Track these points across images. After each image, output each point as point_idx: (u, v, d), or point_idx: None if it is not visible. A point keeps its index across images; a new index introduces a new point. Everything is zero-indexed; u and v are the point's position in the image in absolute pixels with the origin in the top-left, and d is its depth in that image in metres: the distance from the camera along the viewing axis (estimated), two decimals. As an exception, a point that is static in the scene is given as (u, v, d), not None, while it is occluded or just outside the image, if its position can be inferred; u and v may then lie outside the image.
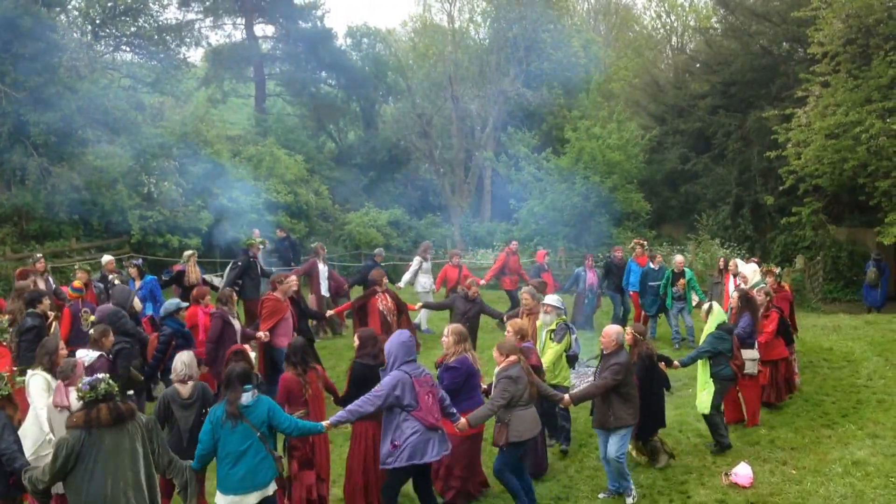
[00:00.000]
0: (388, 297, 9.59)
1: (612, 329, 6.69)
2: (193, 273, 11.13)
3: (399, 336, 5.81)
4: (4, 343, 6.58)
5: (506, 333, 6.90)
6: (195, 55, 52.64)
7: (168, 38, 23.26)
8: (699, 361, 7.74)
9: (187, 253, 11.59)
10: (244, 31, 27.75)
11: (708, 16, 27.67)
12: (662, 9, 32.65)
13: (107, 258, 11.43)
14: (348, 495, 6.30)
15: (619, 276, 12.82)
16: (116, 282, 10.11)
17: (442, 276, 12.94)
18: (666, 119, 25.19)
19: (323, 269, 12.39)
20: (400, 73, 29.10)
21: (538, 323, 7.93)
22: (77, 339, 8.17)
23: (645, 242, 13.40)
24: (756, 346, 8.41)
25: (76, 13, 21.32)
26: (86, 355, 6.32)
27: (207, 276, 12.52)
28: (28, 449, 5.51)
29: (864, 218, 19.08)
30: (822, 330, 13.07)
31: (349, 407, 5.59)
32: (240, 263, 11.70)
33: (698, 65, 26.02)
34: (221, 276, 13.53)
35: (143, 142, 18.18)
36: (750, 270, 11.37)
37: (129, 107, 19.04)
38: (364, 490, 6.23)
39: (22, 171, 16.25)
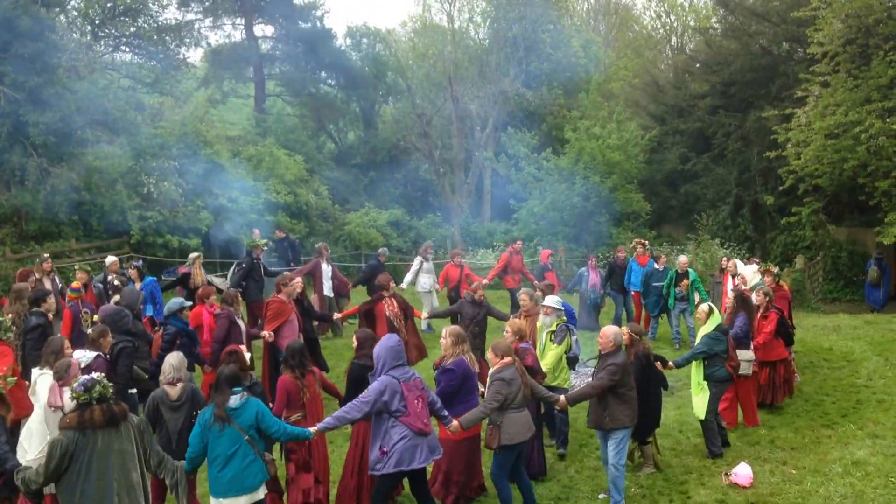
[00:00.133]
0: (394, 302, 9.41)
1: (610, 330, 6.68)
2: (199, 275, 11.06)
3: (387, 340, 5.72)
4: (6, 341, 6.56)
5: (504, 334, 6.89)
6: (195, 55, 52.86)
7: (167, 38, 23.30)
8: (693, 363, 7.74)
9: (193, 255, 11.51)
10: (244, 31, 27.76)
11: (708, 16, 27.65)
12: (662, 9, 32.67)
13: (111, 259, 11.37)
14: (339, 498, 6.26)
15: (622, 276, 12.85)
16: (116, 283, 10.08)
17: (444, 275, 12.93)
18: (666, 119, 25.18)
19: (326, 269, 12.35)
20: (399, 74, 29.12)
21: (538, 324, 7.89)
22: (78, 340, 8.08)
23: (646, 242, 13.41)
24: (752, 346, 8.41)
25: (75, 13, 21.35)
26: (83, 356, 6.30)
27: (209, 277, 12.47)
28: (35, 448, 5.50)
29: (863, 218, 19.07)
30: (822, 330, 13.09)
31: (336, 413, 5.56)
32: (244, 265, 11.60)
33: (698, 65, 26.00)
34: (222, 276, 13.50)
35: (143, 142, 18.20)
36: (750, 271, 11.35)
37: (129, 107, 19.04)
38: (356, 493, 6.18)
39: (21, 171, 16.22)
